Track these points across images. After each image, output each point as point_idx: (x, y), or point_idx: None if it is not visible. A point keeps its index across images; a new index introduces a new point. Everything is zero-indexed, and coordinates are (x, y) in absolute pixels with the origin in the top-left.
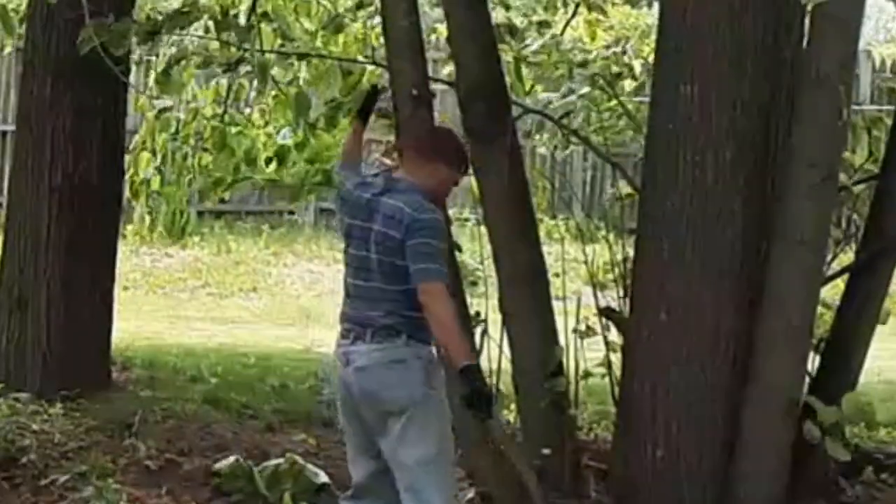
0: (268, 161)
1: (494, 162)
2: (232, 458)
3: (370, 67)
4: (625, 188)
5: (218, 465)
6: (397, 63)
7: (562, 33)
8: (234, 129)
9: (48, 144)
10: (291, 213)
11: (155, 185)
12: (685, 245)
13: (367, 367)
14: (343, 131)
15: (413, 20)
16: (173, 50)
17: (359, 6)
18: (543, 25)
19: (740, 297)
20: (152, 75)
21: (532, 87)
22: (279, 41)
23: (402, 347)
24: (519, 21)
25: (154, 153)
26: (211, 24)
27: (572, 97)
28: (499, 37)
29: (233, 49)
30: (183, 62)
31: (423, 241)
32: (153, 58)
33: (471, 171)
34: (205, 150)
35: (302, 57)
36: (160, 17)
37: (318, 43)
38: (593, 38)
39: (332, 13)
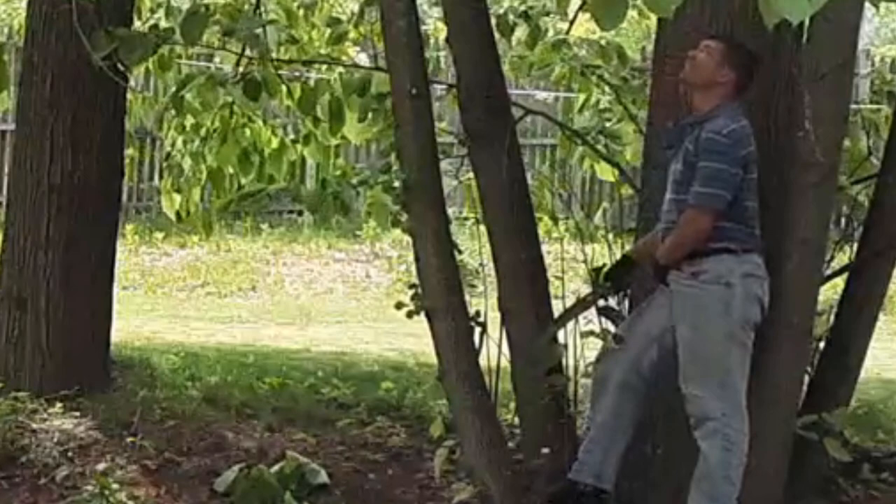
0: (270, 154)
1: (494, 162)
2: (234, 471)
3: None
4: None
5: (221, 485)
6: (395, 62)
7: (568, 31)
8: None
9: (48, 144)
10: (291, 212)
11: (188, 167)
12: None
13: None
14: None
15: (411, 19)
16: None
17: (362, 12)
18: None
19: None
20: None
21: (531, 67)
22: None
23: None
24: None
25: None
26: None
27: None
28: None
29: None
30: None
31: None
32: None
33: (470, 170)
34: (204, 139)
35: (308, 64)
36: (171, 25)
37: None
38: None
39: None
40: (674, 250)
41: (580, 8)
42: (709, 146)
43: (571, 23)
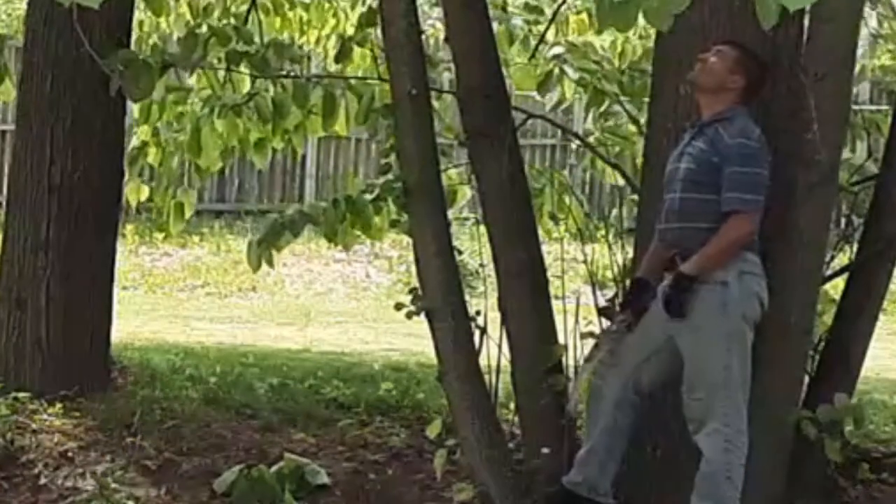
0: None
1: (494, 161)
2: (233, 471)
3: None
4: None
5: (221, 486)
6: (395, 62)
7: (544, 34)
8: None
9: (48, 144)
10: None
11: (152, 157)
12: None
13: None
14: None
15: (411, 19)
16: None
17: (361, 25)
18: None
19: None
20: None
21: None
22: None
23: None
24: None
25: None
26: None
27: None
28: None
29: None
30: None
31: None
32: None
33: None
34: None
35: (312, 80)
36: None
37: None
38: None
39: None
40: (718, 258)
41: (559, 7)
42: (742, 150)
43: (550, 23)
